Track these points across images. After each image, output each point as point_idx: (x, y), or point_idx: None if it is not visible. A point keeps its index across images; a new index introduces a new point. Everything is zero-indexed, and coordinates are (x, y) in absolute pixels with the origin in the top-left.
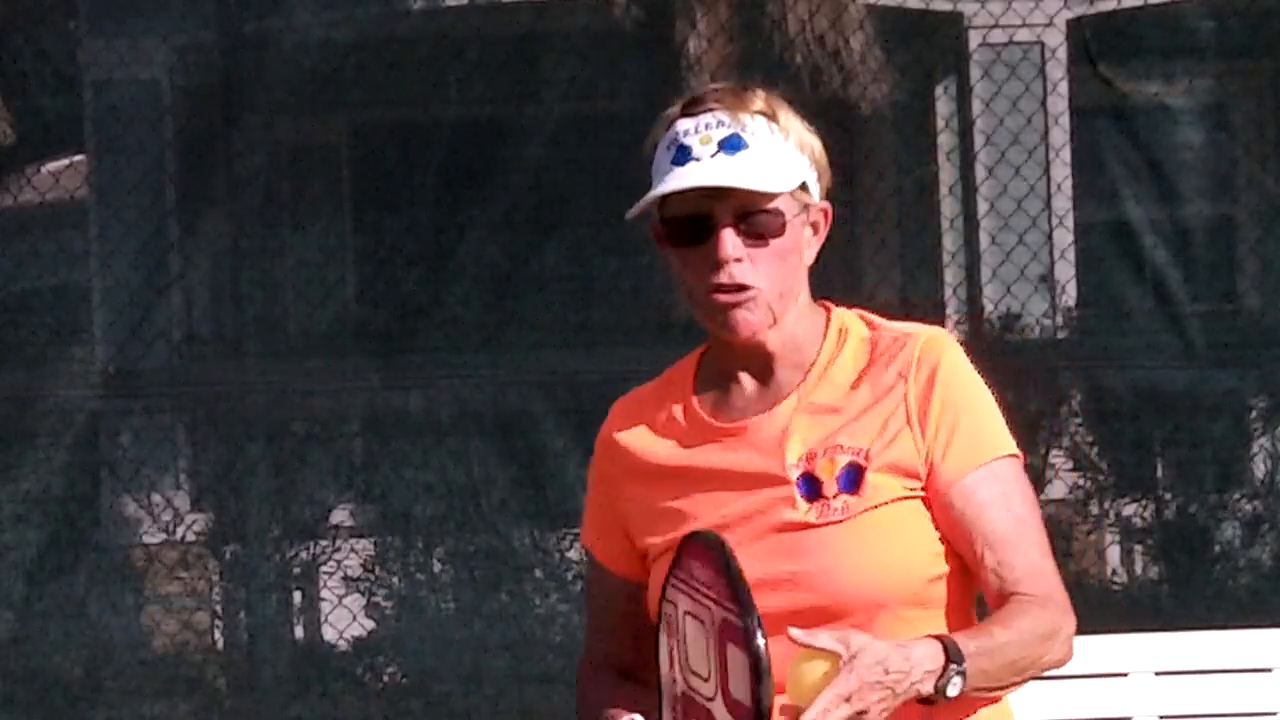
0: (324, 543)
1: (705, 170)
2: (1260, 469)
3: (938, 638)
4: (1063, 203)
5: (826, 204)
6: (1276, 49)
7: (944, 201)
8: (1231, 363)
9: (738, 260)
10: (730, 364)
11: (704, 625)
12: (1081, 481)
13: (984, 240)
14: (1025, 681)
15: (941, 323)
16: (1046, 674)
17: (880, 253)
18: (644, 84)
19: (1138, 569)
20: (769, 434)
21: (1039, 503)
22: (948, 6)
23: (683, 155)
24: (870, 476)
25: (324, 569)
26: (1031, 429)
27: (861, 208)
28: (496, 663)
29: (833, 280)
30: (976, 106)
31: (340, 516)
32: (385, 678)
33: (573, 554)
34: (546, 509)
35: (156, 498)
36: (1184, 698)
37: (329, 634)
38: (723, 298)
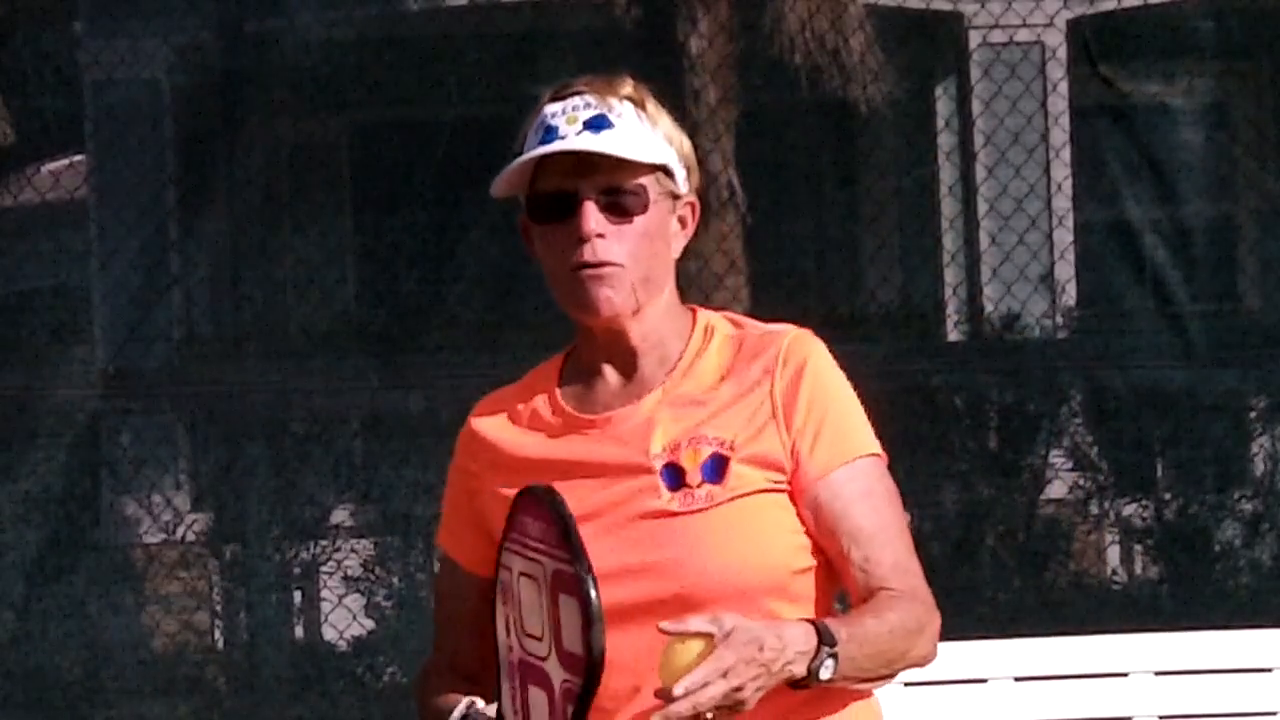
0: (324, 543)
1: (568, 144)
2: (1260, 469)
3: (810, 621)
4: (1063, 203)
5: (694, 198)
6: (1276, 49)
7: (944, 201)
8: (1231, 363)
9: (600, 236)
10: (594, 357)
11: (537, 582)
12: (1081, 481)
13: (984, 240)
14: (891, 676)
15: (941, 323)
16: (1052, 675)
17: (880, 253)
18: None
19: (1138, 569)
20: (633, 425)
21: (899, 501)
22: (948, 6)
23: (549, 135)
24: (735, 467)
25: (324, 569)
26: (1031, 429)
27: (861, 208)
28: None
29: (833, 280)
30: (976, 106)
31: (340, 516)
32: (385, 678)
33: None
34: None
35: (156, 498)
36: (1184, 698)
37: (329, 634)
38: (585, 273)
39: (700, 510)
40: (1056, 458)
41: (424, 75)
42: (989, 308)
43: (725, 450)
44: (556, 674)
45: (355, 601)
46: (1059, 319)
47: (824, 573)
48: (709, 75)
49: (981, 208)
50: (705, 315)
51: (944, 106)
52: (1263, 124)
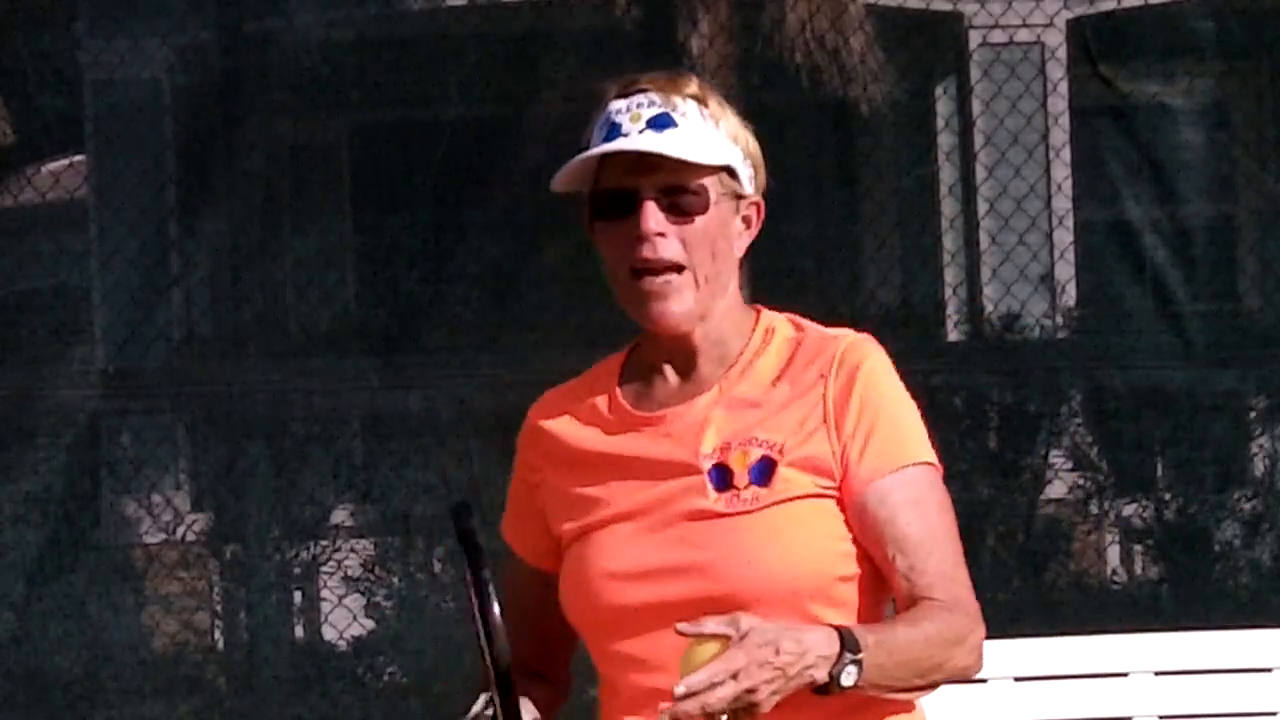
0: (324, 543)
1: (630, 142)
2: (1260, 469)
3: (835, 626)
4: (1063, 203)
5: (758, 198)
6: (1276, 49)
7: (944, 201)
8: (1231, 363)
9: (660, 235)
10: (655, 356)
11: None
12: (1081, 481)
13: (984, 240)
14: (929, 687)
15: (941, 323)
16: (1052, 675)
17: (880, 253)
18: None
19: (1138, 569)
20: (687, 424)
21: (953, 509)
22: (948, 6)
23: (613, 132)
24: (782, 470)
25: (324, 569)
26: (1031, 429)
27: (861, 208)
28: None
29: (833, 280)
30: (976, 106)
31: (340, 516)
32: (385, 678)
33: None
34: None
35: (156, 498)
36: (1184, 698)
37: (329, 634)
38: (647, 285)
39: (745, 512)
40: (1056, 458)
41: (424, 75)
42: (989, 308)
43: (774, 453)
44: (487, 679)
45: (355, 601)
46: (1059, 319)
47: (871, 580)
48: (709, 75)
49: (981, 208)
50: (768, 316)
51: (944, 106)
52: (1263, 124)
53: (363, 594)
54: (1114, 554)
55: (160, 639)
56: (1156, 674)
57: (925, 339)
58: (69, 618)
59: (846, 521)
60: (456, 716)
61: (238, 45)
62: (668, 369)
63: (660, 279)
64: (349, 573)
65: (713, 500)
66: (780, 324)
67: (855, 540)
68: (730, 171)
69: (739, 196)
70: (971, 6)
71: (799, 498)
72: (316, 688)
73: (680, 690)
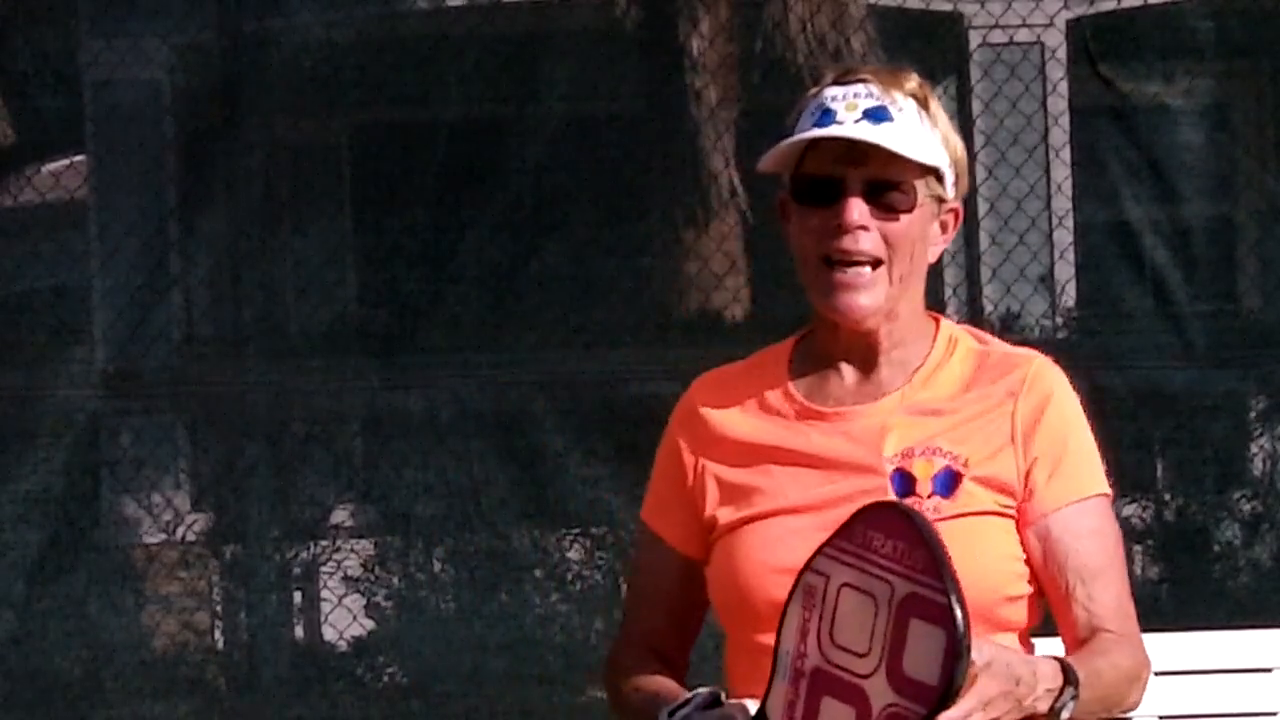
0: (324, 543)
1: (845, 130)
2: (1260, 469)
3: (1056, 658)
4: (1063, 203)
5: (959, 204)
6: (1276, 49)
7: None
8: (1231, 363)
9: (862, 228)
10: (832, 351)
11: (874, 599)
12: None
13: (984, 240)
14: None
15: None
16: None
17: None
18: (644, 84)
19: (1138, 569)
20: (868, 425)
21: (1123, 545)
22: (948, 6)
23: (826, 117)
24: (966, 484)
25: (324, 569)
26: None
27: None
28: (496, 663)
29: None
30: (976, 106)
31: (340, 516)
32: (385, 678)
33: (573, 554)
34: (546, 509)
35: (156, 498)
36: (1184, 698)
37: (329, 634)
38: (840, 276)
39: None
40: None
41: (424, 75)
42: (989, 308)
43: (959, 466)
44: (881, 695)
45: (355, 601)
46: (1059, 319)
47: (1034, 604)
48: (709, 75)
49: (981, 208)
50: (949, 325)
51: (944, 106)
52: (1263, 124)
53: (363, 594)
54: None
55: (160, 639)
56: (1156, 674)
57: None
58: (69, 618)
59: (1021, 542)
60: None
61: (238, 45)
62: (845, 366)
63: (853, 270)
64: (349, 573)
65: None
66: (962, 335)
67: (1028, 562)
68: (938, 175)
69: (941, 200)
70: (971, 6)
71: (981, 513)
72: (316, 688)
73: None
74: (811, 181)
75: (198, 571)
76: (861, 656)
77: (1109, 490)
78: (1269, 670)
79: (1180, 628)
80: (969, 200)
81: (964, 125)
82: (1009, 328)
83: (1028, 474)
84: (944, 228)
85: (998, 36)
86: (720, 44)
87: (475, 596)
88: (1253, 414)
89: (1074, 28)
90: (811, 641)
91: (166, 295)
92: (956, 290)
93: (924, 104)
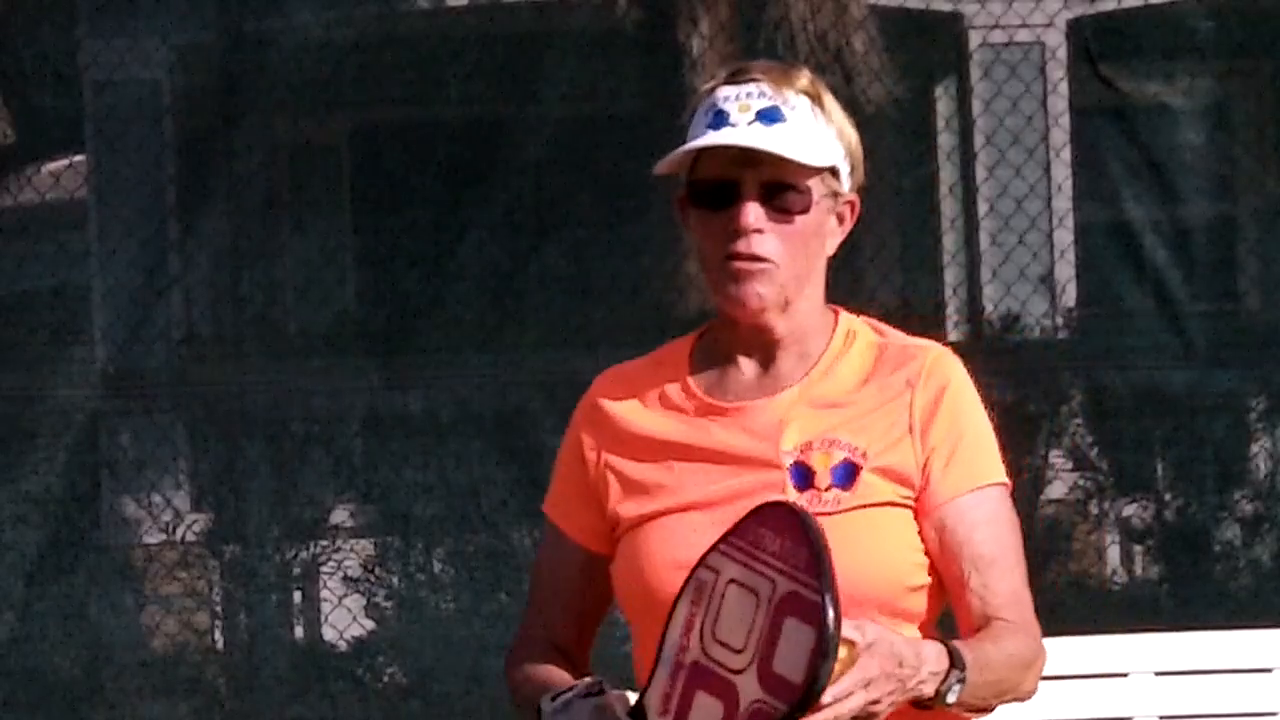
0: (324, 543)
1: (738, 134)
2: (1260, 469)
3: (943, 642)
4: (1063, 203)
5: (855, 197)
6: (1276, 49)
7: (944, 201)
8: (1231, 363)
9: (758, 231)
10: (732, 346)
11: (756, 596)
12: (1081, 481)
13: (984, 240)
14: (991, 709)
15: (941, 323)
16: (1052, 675)
17: (880, 253)
18: (644, 84)
19: (1138, 569)
20: (767, 419)
21: (1020, 532)
22: (948, 6)
23: (719, 120)
24: (865, 476)
25: (324, 569)
26: (1031, 429)
27: (862, 208)
28: (496, 663)
29: (833, 280)
30: (976, 106)
31: (340, 516)
32: (385, 678)
33: None
34: None
35: (156, 498)
36: (1184, 698)
37: (329, 634)
38: (738, 265)
39: (825, 514)
40: (1056, 458)
41: (424, 75)
42: (989, 308)
43: (858, 458)
44: (749, 690)
45: (355, 601)
46: (1059, 319)
47: (935, 593)
48: (709, 75)
49: (981, 208)
50: (848, 318)
51: (944, 106)
52: (1263, 124)
53: (363, 594)
54: (1114, 554)
55: (160, 639)
56: (1156, 674)
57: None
58: (69, 618)
59: (920, 532)
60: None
61: (238, 45)
62: (744, 361)
63: (752, 267)
64: (349, 573)
65: (793, 498)
66: (860, 327)
67: (927, 552)
68: (833, 170)
69: (836, 194)
70: (971, 6)
71: (880, 504)
72: (316, 688)
73: (828, 698)
74: (707, 185)
75: (198, 572)
76: (738, 652)
77: (1006, 480)
78: (1269, 670)
79: (1180, 628)
80: (969, 200)
81: (964, 125)
82: (1009, 328)
83: (925, 464)
84: (840, 220)
85: (998, 36)
86: (720, 44)
87: (475, 596)
88: (1253, 414)
89: (1074, 28)
90: (694, 636)
91: (166, 295)
92: (956, 290)
93: (817, 100)
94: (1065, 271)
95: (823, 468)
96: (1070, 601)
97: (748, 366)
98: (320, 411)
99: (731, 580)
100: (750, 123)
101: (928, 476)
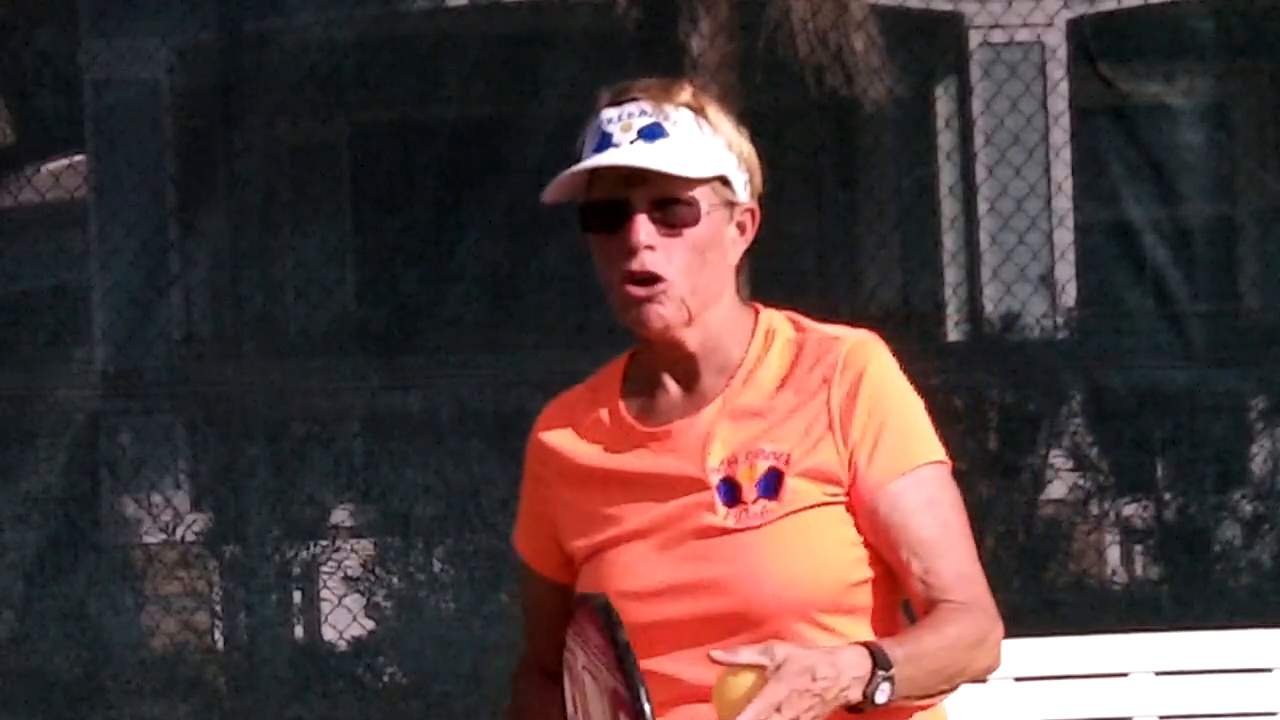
0: (324, 543)
1: (621, 154)
2: (1260, 469)
3: (865, 644)
4: (1063, 203)
5: (754, 204)
6: (1276, 49)
7: (944, 201)
8: (1231, 363)
9: (649, 248)
10: (655, 366)
11: (599, 685)
12: (1081, 481)
13: (984, 240)
14: (955, 689)
15: (941, 323)
16: (1052, 675)
17: (880, 253)
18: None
19: (1138, 569)
20: (692, 438)
21: (963, 508)
22: (948, 6)
23: (604, 142)
24: (790, 482)
25: (324, 569)
26: (1031, 429)
27: (861, 208)
28: (496, 663)
29: (833, 280)
30: (977, 106)
31: (340, 516)
32: (385, 678)
33: None
34: None
35: (156, 498)
36: (1184, 698)
37: (329, 634)
38: (634, 290)
39: (755, 527)
40: (1056, 458)
41: (424, 75)
42: (989, 308)
43: (781, 464)
44: None
45: (355, 601)
46: (1059, 319)
47: (884, 582)
48: (709, 75)
49: (981, 208)
50: (767, 316)
51: (944, 106)
52: (1263, 124)
53: (363, 594)
54: (1114, 554)
55: (160, 639)
56: (1156, 674)
57: (925, 339)
58: (69, 618)
59: (857, 526)
60: None
61: (238, 45)
62: (668, 380)
63: (648, 287)
64: (349, 573)
65: (722, 516)
66: (780, 324)
67: (867, 544)
68: (724, 180)
69: (732, 204)
70: (971, 6)
71: (808, 508)
72: (316, 688)
73: None
74: (599, 207)
75: (198, 571)
76: None
77: (941, 457)
78: (1269, 670)
79: (1180, 628)
80: (969, 200)
81: (964, 125)
82: (1009, 328)
83: (850, 457)
84: (741, 229)
85: (998, 36)
86: (720, 44)
87: (475, 596)
88: (1253, 414)
89: (1074, 27)
90: (580, 714)
91: (166, 295)
92: (956, 290)
93: (700, 112)
94: (1065, 271)
95: (748, 480)
96: (1070, 601)
97: (672, 385)
98: (320, 411)
99: (583, 666)
100: (633, 141)
101: (855, 469)
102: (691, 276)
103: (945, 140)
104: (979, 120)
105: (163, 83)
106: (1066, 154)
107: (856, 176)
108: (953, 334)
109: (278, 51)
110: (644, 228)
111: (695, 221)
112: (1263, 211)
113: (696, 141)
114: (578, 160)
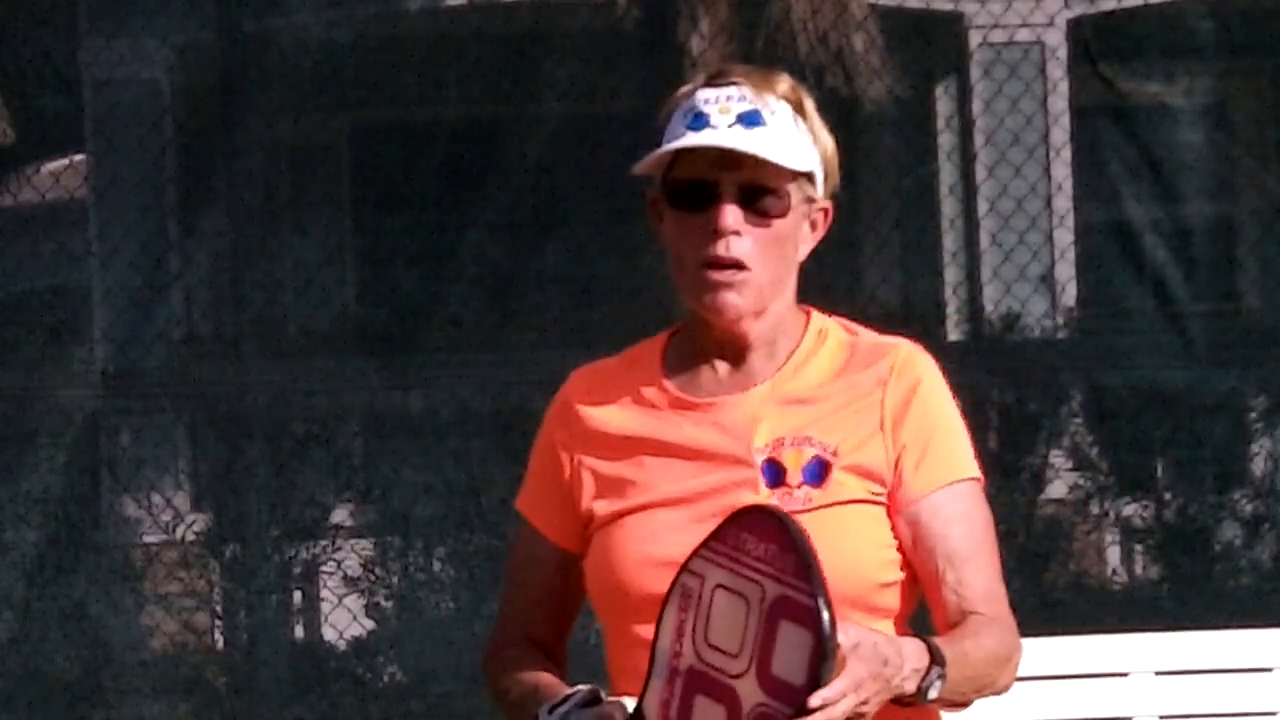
0: (324, 543)
1: (720, 136)
2: (1260, 469)
3: (922, 638)
4: (1063, 203)
5: (829, 203)
6: (1276, 49)
7: (944, 201)
8: (1231, 363)
9: (735, 234)
10: (705, 346)
11: (746, 601)
12: (1081, 481)
13: (984, 240)
14: (970, 703)
15: (941, 323)
16: (1052, 675)
17: (880, 253)
18: (644, 84)
19: (1138, 569)
20: (739, 416)
21: (994, 528)
22: (948, 6)
23: (699, 121)
24: (836, 474)
25: (324, 569)
26: (1031, 429)
27: (861, 208)
28: None
29: (833, 280)
30: (977, 106)
31: (340, 516)
32: (385, 678)
33: None
34: None
35: (156, 498)
36: (1184, 698)
37: (329, 634)
38: (714, 274)
39: (797, 512)
40: (1056, 458)
41: (424, 75)
42: (989, 308)
43: (829, 455)
44: (750, 694)
45: (355, 601)
46: (1059, 319)
47: (907, 589)
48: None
49: (981, 208)
50: (820, 318)
51: (944, 106)
52: (1263, 124)
53: (362, 594)
54: (1114, 554)
55: (160, 639)
56: (1156, 674)
57: (925, 339)
58: (69, 618)
59: (893, 529)
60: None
61: (238, 45)
62: (717, 361)
63: (728, 272)
64: (349, 573)
65: (764, 496)
66: (832, 327)
67: (899, 548)
68: (809, 176)
69: (811, 200)
70: (971, 6)
71: (851, 502)
72: (316, 688)
73: (815, 702)
74: (685, 185)
75: (198, 571)
76: (734, 657)
77: (979, 474)
78: (1269, 670)
79: (1180, 628)
80: (969, 200)
81: (964, 125)
82: (1009, 328)
83: (897, 461)
84: (814, 226)
85: (998, 36)
86: (720, 44)
87: (475, 596)
88: (1253, 414)
89: (1074, 27)
90: (687, 641)
91: (166, 295)
92: (956, 290)
93: (797, 106)
94: (1065, 271)
95: (794, 465)
96: (1070, 601)
97: (720, 366)
98: (320, 411)
99: (718, 585)
100: (731, 125)
101: (900, 473)
102: (770, 268)
103: (945, 140)
104: (979, 120)
105: (163, 82)
106: (1066, 154)
107: (856, 176)
108: (953, 334)
109: (277, 51)
110: (733, 213)
111: (784, 214)
112: (1263, 211)
113: (791, 134)
114: (659, 137)
